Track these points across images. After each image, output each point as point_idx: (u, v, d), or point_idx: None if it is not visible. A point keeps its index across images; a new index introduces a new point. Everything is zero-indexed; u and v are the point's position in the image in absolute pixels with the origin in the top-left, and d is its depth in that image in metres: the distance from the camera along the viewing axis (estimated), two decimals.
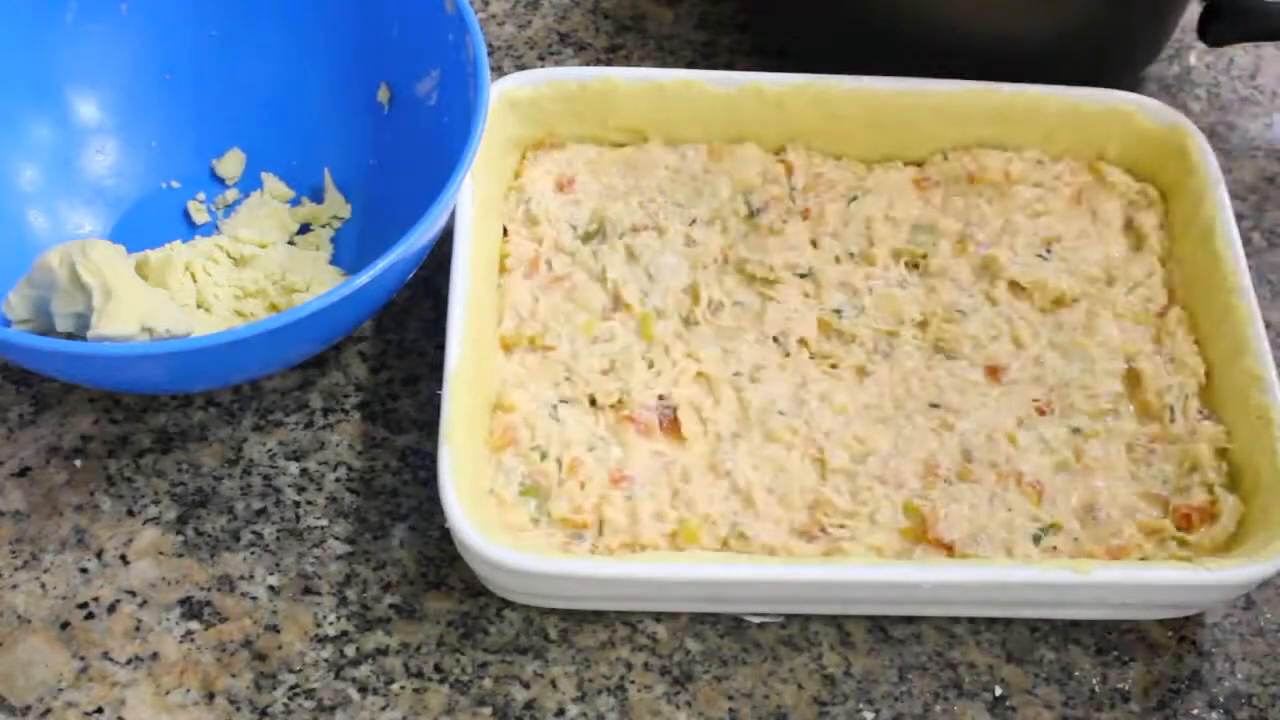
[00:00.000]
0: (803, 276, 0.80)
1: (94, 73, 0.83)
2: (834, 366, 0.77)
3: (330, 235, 0.84)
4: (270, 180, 0.85)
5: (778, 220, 0.81)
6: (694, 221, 0.82)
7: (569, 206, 0.82)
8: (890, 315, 0.79)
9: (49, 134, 0.83)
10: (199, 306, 0.77)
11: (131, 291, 0.72)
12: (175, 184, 0.85)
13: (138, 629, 0.72)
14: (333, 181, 0.85)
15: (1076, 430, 0.76)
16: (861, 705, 0.71)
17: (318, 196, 0.85)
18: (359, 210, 0.84)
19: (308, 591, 0.73)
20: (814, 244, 0.81)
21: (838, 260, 0.81)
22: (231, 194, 0.85)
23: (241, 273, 0.79)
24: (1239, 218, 0.81)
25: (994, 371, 0.77)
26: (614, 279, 0.79)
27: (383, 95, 0.84)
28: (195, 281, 0.77)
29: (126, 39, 0.84)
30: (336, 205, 0.84)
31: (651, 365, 0.76)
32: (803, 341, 0.78)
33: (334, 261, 0.82)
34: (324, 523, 0.75)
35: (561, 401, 0.75)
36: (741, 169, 0.83)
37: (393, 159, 0.83)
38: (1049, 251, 0.82)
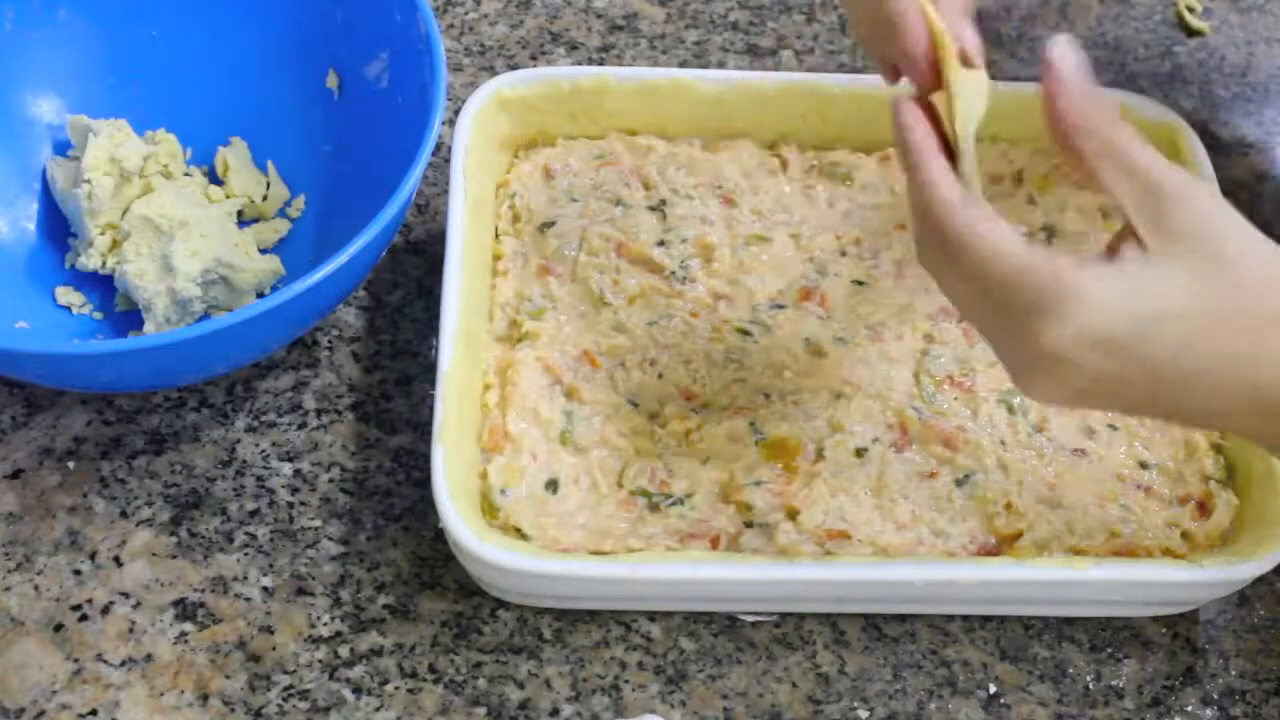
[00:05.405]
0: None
1: (36, 77, 0.83)
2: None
3: (287, 227, 0.84)
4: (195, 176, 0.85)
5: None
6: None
7: (556, 199, 0.82)
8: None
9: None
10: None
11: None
12: None
13: (131, 631, 0.72)
14: (278, 173, 0.85)
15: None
16: (856, 704, 0.71)
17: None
18: (316, 199, 0.85)
19: (301, 592, 0.73)
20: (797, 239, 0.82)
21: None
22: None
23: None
24: None
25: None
26: (599, 272, 0.79)
27: (331, 82, 0.84)
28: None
29: (67, 43, 0.84)
30: (283, 196, 0.85)
31: (654, 364, 0.77)
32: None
33: (291, 250, 0.83)
34: (317, 523, 0.75)
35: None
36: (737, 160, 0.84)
37: (347, 145, 0.84)
38: (1050, 244, 0.82)
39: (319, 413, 0.79)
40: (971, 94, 0.61)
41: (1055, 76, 0.56)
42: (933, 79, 0.61)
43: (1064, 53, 0.57)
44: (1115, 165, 0.56)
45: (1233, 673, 0.73)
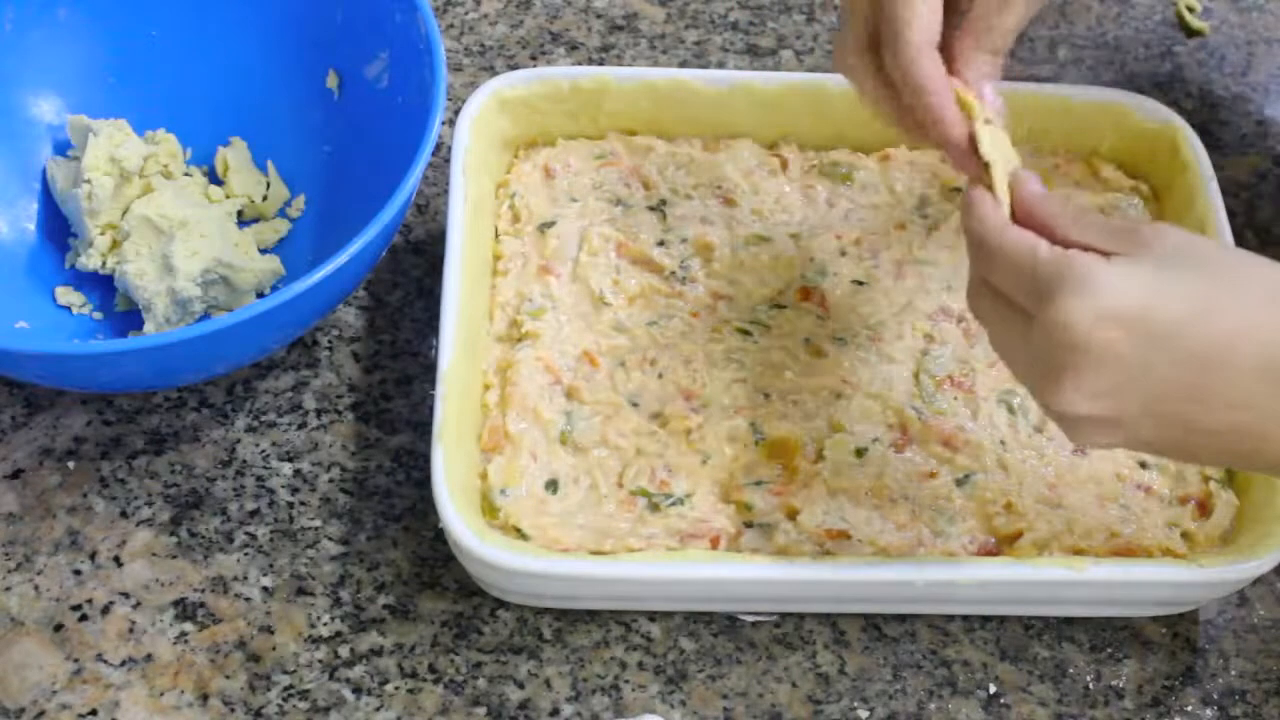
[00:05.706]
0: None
1: (36, 77, 0.83)
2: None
3: (287, 227, 0.84)
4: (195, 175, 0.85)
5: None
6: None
7: (557, 199, 0.82)
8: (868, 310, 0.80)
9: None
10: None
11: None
12: None
13: (131, 631, 0.72)
14: (278, 173, 0.85)
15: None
16: (856, 704, 0.71)
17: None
18: (316, 199, 0.85)
19: (301, 592, 0.73)
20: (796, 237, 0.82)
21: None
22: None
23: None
24: (1231, 215, 0.81)
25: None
26: (598, 272, 0.79)
27: (331, 82, 0.84)
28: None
29: (67, 43, 0.83)
30: (283, 196, 0.85)
31: (654, 364, 0.77)
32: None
33: (291, 250, 0.83)
34: (317, 523, 0.75)
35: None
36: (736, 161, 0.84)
37: (347, 145, 0.84)
38: None
39: (319, 413, 0.79)
40: (1002, 152, 0.66)
41: (1025, 194, 0.65)
42: (974, 156, 0.66)
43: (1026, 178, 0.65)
44: (1079, 222, 0.63)
45: (1233, 673, 0.73)
